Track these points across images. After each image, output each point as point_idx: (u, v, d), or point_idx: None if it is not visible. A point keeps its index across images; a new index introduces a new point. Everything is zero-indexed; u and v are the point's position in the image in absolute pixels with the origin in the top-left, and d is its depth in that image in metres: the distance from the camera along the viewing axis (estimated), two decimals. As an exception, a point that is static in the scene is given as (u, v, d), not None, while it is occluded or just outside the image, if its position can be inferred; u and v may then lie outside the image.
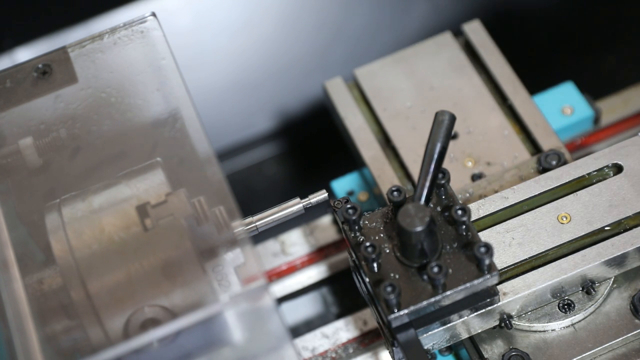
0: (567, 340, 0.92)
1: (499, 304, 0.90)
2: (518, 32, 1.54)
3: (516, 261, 0.92)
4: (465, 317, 0.90)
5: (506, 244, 0.93)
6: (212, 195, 0.86)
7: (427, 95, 1.13)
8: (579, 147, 1.18)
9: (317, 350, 1.06)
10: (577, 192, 0.95)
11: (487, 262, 0.86)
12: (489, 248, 0.86)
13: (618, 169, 0.96)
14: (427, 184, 0.88)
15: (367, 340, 1.07)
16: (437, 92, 1.13)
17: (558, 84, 1.18)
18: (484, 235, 0.94)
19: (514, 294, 0.91)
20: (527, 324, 0.93)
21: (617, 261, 0.92)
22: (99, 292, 0.81)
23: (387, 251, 0.90)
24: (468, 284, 0.86)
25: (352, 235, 0.91)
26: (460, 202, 0.90)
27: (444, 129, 0.87)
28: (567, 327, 0.93)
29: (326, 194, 0.94)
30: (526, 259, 0.92)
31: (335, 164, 1.23)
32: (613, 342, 0.92)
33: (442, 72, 1.14)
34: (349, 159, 1.16)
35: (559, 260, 0.92)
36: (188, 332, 0.78)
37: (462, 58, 1.15)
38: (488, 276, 0.87)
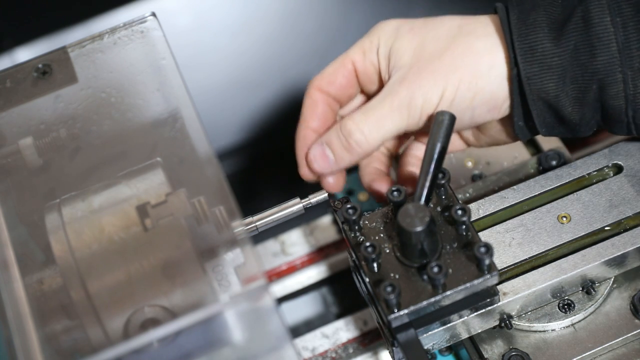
0: (567, 340, 0.92)
1: (499, 304, 0.90)
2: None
3: (516, 261, 0.92)
4: (465, 317, 0.89)
5: (506, 244, 0.93)
6: (212, 195, 0.86)
7: (427, 95, 1.13)
8: (579, 147, 1.17)
9: (317, 350, 1.06)
10: (577, 192, 0.95)
11: (487, 262, 0.86)
12: (489, 248, 0.86)
13: (618, 169, 0.96)
14: (427, 184, 0.88)
15: (367, 340, 1.07)
16: (437, 92, 1.13)
17: (558, 84, 1.17)
18: (484, 235, 0.94)
19: (514, 294, 0.91)
20: (527, 324, 0.93)
21: (617, 261, 0.92)
22: (99, 292, 0.81)
23: (387, 251, 0.90)
24: (468, 284, 0.86)
25: (352, 235, 0.91)
26: (460, 202, 0.90)
27: (444, 129, 0.88)
28: (567, 327, 0.93)
29: (326, 194, 0.94)
30: (526, 259, 0.92)
31: (335, 164, 1.22)
32: (613, 342, 0.91)
33: (442, 72, 1.14)
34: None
35: (559, 260, 0.92)
36: (188, 332, 0.78)
37: (462, 58, 1.15)
38: (488, 276, 0.87)
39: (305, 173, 0.95)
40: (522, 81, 0.88)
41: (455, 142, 1.00)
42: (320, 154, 0.93)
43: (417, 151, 0.99)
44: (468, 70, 0.89)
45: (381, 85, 0.95)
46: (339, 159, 0.93)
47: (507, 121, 0.94)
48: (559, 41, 0.87)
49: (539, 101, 0.88)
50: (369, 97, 0.97)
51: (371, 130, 0.90)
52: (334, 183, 0.95)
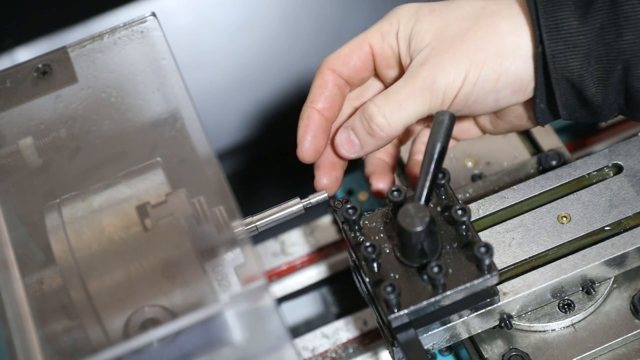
0: (567, 340, 0.92)
1: (499, 304, 0.90)
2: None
3: (516, 261, 0.92)
4: (465, 317, 0.89)
5: (506, 244, 0.93)
6: (212, 195, 0.86)
7: (427, 95, 1.13)
8: (579, 147, 1.18)
9: (317, 350, 1.06)
10: (577, 192, 0.95)
11: (487, 262, 0.86)
12: (489, 248, 0.86)
13: (618, 169, 0.96)
14: (427, 184, 0.88)
15: (367, 340, 1.07)
16: (437, 92, 1.13)
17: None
18: (484, 235, 0.94)
19: (514, 294, 0.91)
20: (527, 324, 0.93)
21: (617, 261, 0.92)
22: (99, 292, 0.81)
23: (387, 251, 0.90)
24: (468, 284, 0.86)
25: (352, 235, 0.91)
26: (460, 202, 0.90)
27: (444, 129, 0.87)
28: (567, 327, 0.93)
29: (326, 194, 0.94)
30: (526, 259, 0.92)
31: (335, 164, 1.22)
32: (613, 342, 0.92)
33: (442, 72, 1.14)
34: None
35: (559, 260, 0.92)
36: (188, 332, 0.78)
37: (462, 58, 1.15)
38: (488, 276, 0.87)
39: (302, 154, 0.94)
40: (547, 59, 0.86)
41: (470, 130, 0.99)
42: (346, 139, 0.92)
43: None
44: (492, 51, 0.88)
45: (400, 69, 0.94)
46: (363, 144, 0.92)
47: (528, 105, 0.92)
48: (585, 19, 0.85)
49: (562, 80, 0.87)
50: (383, 81, 0.97)
51: (393, 113, 0.89)
52: (328, 184, 0.94)
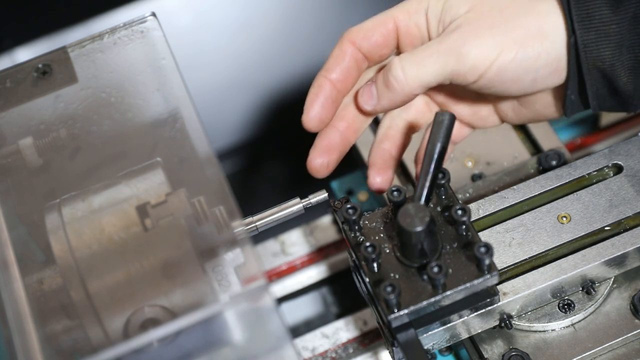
0: (567, 340, 0.92)
1: (499, 304, 0.90)
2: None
3: (516, 261, 0.92)
4: (465, 317, 0.89)
5: (506, 244, 0.93)
6: (212, 195, 0.86)
7: (427, 95, 1.13)
8: (579, 147, 1.18)
9: (317, 350, 1.06)
10: (577, 192, 0.95)
11: (487, 262, 0.86)
12: (489, 248, 0.86)
13: (618, 169, 0.96)
14: (427, 184, 0.88)
15: (367, 340, 1.07)
16: (437, 92, 1.13)
17: (558, 84, 1.17)
18: (484, 235, 0.94)
19: (514, 294, 0.91)
20: (527, 324, 0.93)
21: (617, 261, 0.92)
22: (99, 292, 0.81)
23: (387, 251, 0.90)
24: (468, 284, 0.86)
25: (352, 235, 0.91)
26: (460, 202, 0.90)
27: (444, 129, 0.87)
28: (567, 327, 0.93)
29: (326, 194, 0.94)
30: (526, 259, 0.92)
31: (335, 163, 1.22)
32: (613, 342, 0.92)
33: (442, 72, 1.14)
34: (349, 159, 1.16)
35: (559, 260, 0.92)
36: (188, 332, 0.78)
37: (462, 58, 1.15)
38: (488, 276, 0.87)
39: (307, 121, 0.92)
40: (579, 49, 0.85)
41: (489, 118, 0.97)
42: (367, 89, 0.91)
43: None
44: (532, 29, 0.86)
45: None
46: (380, 95, 0.90)
47: (556, 93, 0.91)
48: (618, 9, 0.85)
49: (594, 70, 0.86)
50: None
51: (412, 66, 0.88)
52: (319, 166, 0.93)
